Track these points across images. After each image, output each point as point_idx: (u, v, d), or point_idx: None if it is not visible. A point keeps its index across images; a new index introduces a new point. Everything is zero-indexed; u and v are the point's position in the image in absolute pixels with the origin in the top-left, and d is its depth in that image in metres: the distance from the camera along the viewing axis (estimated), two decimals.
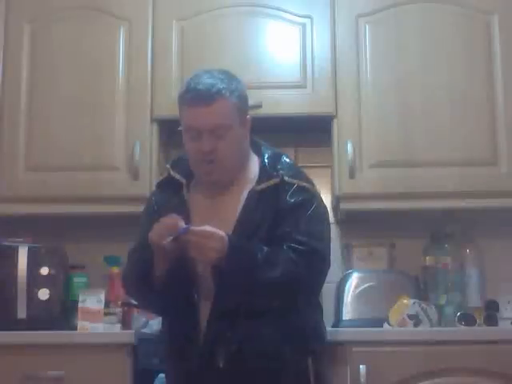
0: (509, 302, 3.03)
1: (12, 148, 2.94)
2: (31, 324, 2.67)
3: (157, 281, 2.04)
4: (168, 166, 2.24)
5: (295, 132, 3.06)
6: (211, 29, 2.98)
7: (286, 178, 2.09)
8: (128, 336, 2.57)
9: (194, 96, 2.04)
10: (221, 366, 1.99)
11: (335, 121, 2.90)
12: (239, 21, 2.99)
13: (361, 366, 2.41)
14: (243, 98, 2.12)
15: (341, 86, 2.91)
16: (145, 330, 2.72)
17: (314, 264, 2.04)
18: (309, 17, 2.97)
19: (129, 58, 2.98)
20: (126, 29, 3.00)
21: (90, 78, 2.97)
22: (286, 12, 2.99)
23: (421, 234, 3.00)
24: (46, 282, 2.78)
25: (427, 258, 2.95)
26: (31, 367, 2.52)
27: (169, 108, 2.93)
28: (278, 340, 2.02)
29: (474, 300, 2.92)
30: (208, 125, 2.03)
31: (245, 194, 2.09)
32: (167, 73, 2.96)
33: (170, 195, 2.18)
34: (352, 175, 2.83)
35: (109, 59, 2.98)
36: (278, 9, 2.99)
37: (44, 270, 2.78)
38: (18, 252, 2.78)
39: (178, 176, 2.18)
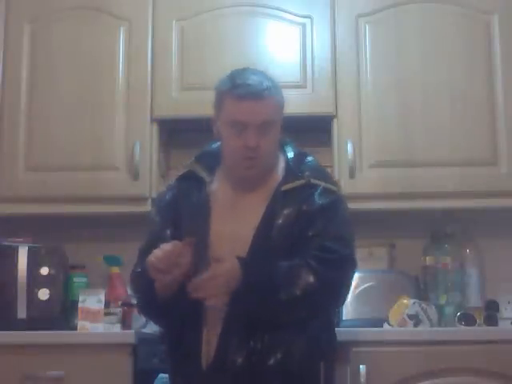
0: (509, 302, 3.03)
1: (12, 148, 2.94)
2: (31, 324, 2.67)
3: (160, 300, 2.02)
4: (192, 160, 2.21)
5: (295, 132, 3.05)
6: (211, 29, 2.98)
7: (313, 180, 2.08)
8: (128, 336, 2.57)
9: (245, 91, 2.04)
10: (235, 367, 1.97)
11: (335, 121, 2.90)
12: (239, 21, 2.99)
13: (361, 366, 2.41)
14: (283, 97, 2.14)
15: (341, 86, 2.91)
16: (145, 330, 2.72)
17: (343, 272, 2.04)
18: (309, 17, 2.97)
19: (129, 58, 2.98)
20: (126, 29, 3.00)
21: (89, 78, 2.97)
22: (285, 12, 2.99)
23: (421, 234, 3.00)
24: (46, 281, 2.78)
25: (427, 258, 2.95)
26: (31, 367, 2.52)
27: (169, 108, 2.94)
28: (292, 342, 2.00)
29: (474, 300, 2.92)
30: (257, 120, 2.03)
31: (269, 194, 2.08)
32: (167, 73, 2.96)
33: (191, 190, 2.15)
34: (352, 175, 2.83)
35: (109, 59, 2.98)
36: (278, 9, 2.99)
37: (44, 270, 2.78)
38: (18, 252, 2.78)
39: (202, 173, 2.16)
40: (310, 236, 2.03)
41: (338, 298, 2.09)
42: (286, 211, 2.04)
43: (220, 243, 2.05)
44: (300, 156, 2.17)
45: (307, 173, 2.10)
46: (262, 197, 2.08)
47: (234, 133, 2.05)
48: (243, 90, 2.04)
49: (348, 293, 2.13)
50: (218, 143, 2.17)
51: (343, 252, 2.03)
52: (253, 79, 2.07)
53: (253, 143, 2.02)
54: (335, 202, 2.09)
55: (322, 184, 2.09)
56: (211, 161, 2.18)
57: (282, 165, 2.15)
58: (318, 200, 2.06)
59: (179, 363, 2.09)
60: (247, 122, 2.03)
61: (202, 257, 2.03)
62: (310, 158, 2.17)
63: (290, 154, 2.16)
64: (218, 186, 2.15)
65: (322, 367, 2.06)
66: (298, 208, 2.04)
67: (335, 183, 2.17)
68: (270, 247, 2.02)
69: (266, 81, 2.08)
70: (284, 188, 2.08)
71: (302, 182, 2.08)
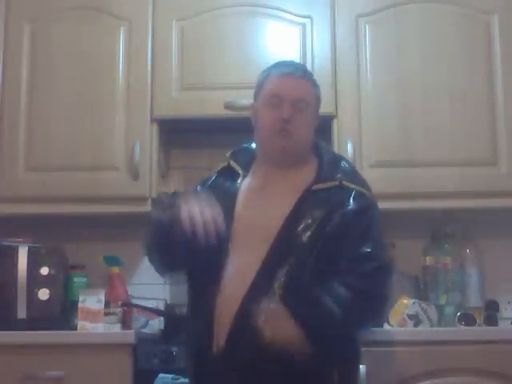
0: (509, 302, 3.03)
1: (12, 148, 2.94)
2: (31, 324, 2.67)
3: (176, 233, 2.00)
4: (228, 155, 2.26)
5: None
6: (211, 29, 2.98)
7: (345, 183, 2.09)
8: (128, 336, 2.57)
9: (286, 69, 2.16)
10: (242, 359, 1.96)
11: (335, 121, 2.90)
12: (239, 21, 2.99)
13: (361, 366, 2.40)
14: (319, 91, 2.22)
15: (341, 86, 2.91)
16: (145, 330, 2.72)
17: (381, 284, 2.04)
18: (309, 17, 2.97)
19: (129, 58, 2.97)
20: (126, 29, 3.00)
21: (89, 78, 2.97)
22: (285, 12, 2.99)
23: (421, 234, 3.00)
24: (46, 281, 2.78)
25: (427, 258, 2.95)
26: (31, 367, 2.52)
27: (169, 108, 2.94)
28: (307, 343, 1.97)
29: (474, 300, 2.92)
30: (293, 95, 2.10)
31: (299, 191, 2.08)
32: (167, 73, 2.95)
33: (224, 182, 2.20)
34: None
35: (109, 59, 2.98)
36: (278, 9, 2.99)
37: (44, 270, 2.78)
38: (18, 252, 2.78)
39: (236, 166, 2.21)
40: (345, 239, 2.01)
41: (379, 312, 2.12)
42: (316, 212, 2.03)
43: (241, 228, 2.06)
44: (336, 160, 2.19)
45: (339, 175, 2.10)
46: (290, 191, 2.09)
47: (270, 107, 2.11)
48: (283, 68, 2.17)
49: (387, 303, 2.14)
50: (253, 144, 2.22)
51: (382, 259, 2.03)
52: (296, 63, 2.26)
53: (287, 114, 2.08)
54: (369, 206, 2.10)
55: (355, 187, 2.09)
56: (246, 158, 2.22)
57: (315, 166, 2.15)
58: (353, 204, 2.06)
59: (191, 346, 2.10)
60: (284, 95, 2.10)
61: (222, 239, 2.02)
62: (344, 162, 2.19)
63: (326, 157, 2.18)
64: (249, 178, 2.18)
65: (336, 373, 2.01)
66: (330, 210, 2.03)
67: (368, 187, 2.16)
68: (295, 245, 2.01)
69: (306, 68, 2.23)
70: (314, 187, 2.08)
71: (333, 183, 2.08)
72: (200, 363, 2.06)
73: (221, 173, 2.25)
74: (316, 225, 2.02)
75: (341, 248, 2.00)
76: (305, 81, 2.16)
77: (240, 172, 2.19)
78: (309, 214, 2.04)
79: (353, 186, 2.09)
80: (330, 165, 2.15)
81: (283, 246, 2.01)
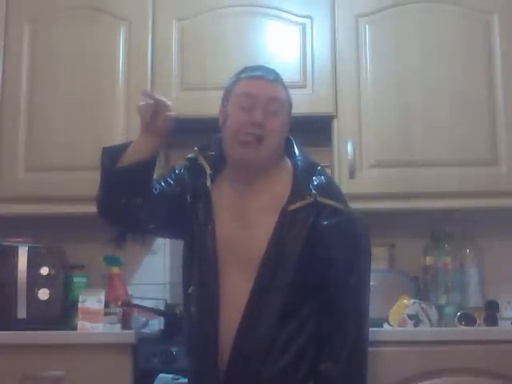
0: (509, 302, 3.03)
1: (12, 148, 2.94)
2: (31, 324, 2.67)
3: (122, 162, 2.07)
4: (196, 148, 2.18)
5: (295, 132, 3.06)
6: (211, 29, 2.98)
7: (319, 199, 2.03)
8: (128, 336, 2.57)
9: (257, 72, 2.08)
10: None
11: (335, 121, 2.90)
12: (239, 21, 2.99)
13: None
14: (291, 99, 2.14)
15: (341, 86, 2.91)
16: (145, 330, 2.72)
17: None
18: (309, 17, 2.97)
19: (129, 58, 2.98)
20: (126, 29, 3.00)
21: (89, 77, 2.97)
22: (285, 12, 2.99)
23: (421, 234, 3.00)
24: (46, 281, 2.78)
25: (427, 258, 2.95)
26: (31, 367, 2.52)
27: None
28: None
29: (474, 300, 2.92)
30: (266, 94, 2.02)
31: (277, 211, 2.02)
32: (167, 73, 2.96)
33: (194, 178, 2.13)
34: (352, 175, 2.83)
35: (109, 59, 2.98)
36: (278, 9, 2.99)
37: (44, 270, 2.78)
38: (17, 252, 2.78)
39: (204, 164, 2.13)
40: (320, 260, 2.00)
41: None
42: (294, 232, 2.00)
43: (227, 250, 2.03)
44: (309, 169, 2.11)
45: (314, 191, 2.04)
46: (268, 210, 2.03)
47: (240, 107, 2.02)
48: (254, 73, 2.08)
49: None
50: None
51: (364, 295, 2.10)
52: (264, 68, 2.13)
53: (259, 118, 1.99)
54: (344, 222, 2.05)
55: (331, 203, 2.04)
56: (214, 155, 2.14)
57: (290, 174, 2.09)
58: (324, 221, 2.02)
59: (194, 362, 2.09)
60: (256, 95, 2.01)
61: (209, 260, 2.03)
62: (319, 170, 2.11)
63: (300, 166, 2.10)
64: (222, 186, 2.11)
65: None
66: (306, 228, 2.01)
67: (344, 201, 2.10)
68: (282, 270, 1.99)
69: (277, 73, 2.13)
70: (290, 208, 2.02)
71: (308, 201, 2.02)
72: (203, 377, 2.05)
73: (189, 166, 2.17)
74: (299, 246, 1.99)
75: (327, 269, 2.00)
76: (276, 83, 2.08)
77: (208, 172, 2.11)
78: (290, 235, 2.00)
79: (328, 201, 2.04)
80: (305, 177, 2.07)
81: (270, 270, 1.99)
